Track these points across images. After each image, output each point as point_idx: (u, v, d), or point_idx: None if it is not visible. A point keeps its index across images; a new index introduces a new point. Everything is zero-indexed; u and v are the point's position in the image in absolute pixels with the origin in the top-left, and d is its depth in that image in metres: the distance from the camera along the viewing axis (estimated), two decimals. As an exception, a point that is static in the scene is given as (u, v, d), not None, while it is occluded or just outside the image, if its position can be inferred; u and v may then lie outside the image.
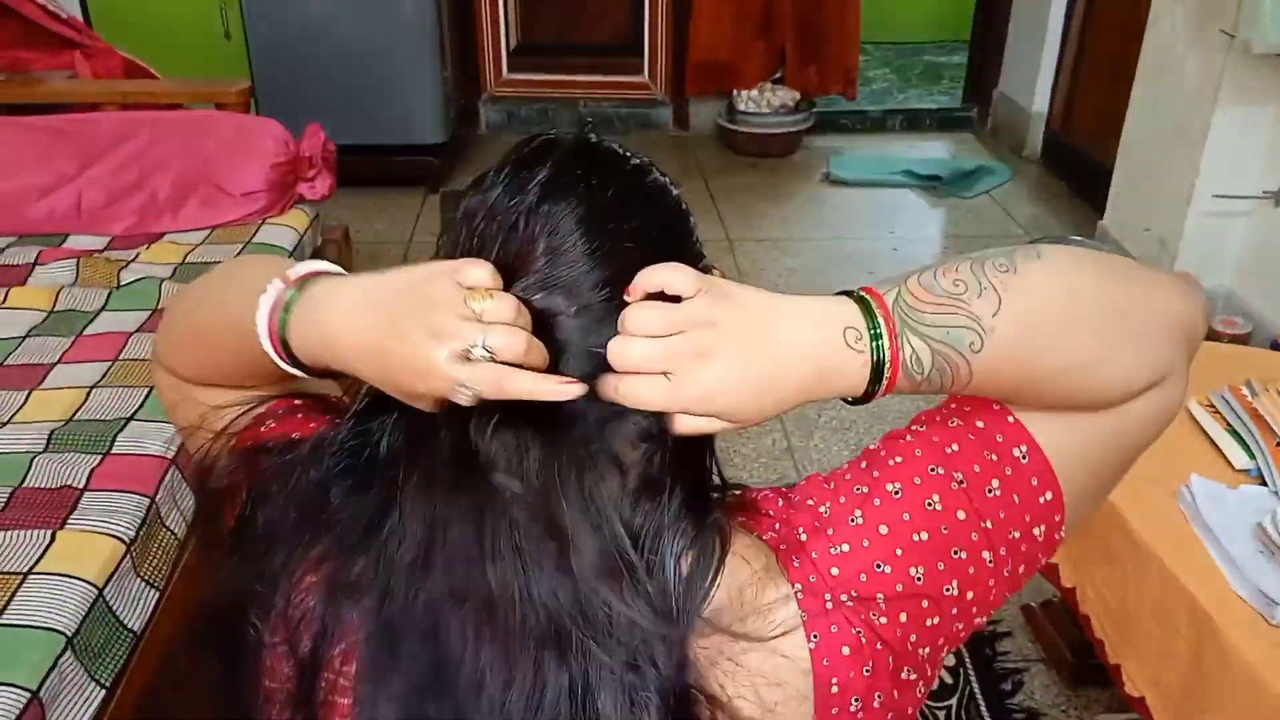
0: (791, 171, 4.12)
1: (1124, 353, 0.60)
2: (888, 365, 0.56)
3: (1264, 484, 1.39)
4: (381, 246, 3.41)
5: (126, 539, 1.38)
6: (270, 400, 0.71)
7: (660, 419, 0.58)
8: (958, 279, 0.57)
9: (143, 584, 1.40)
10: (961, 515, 0.61)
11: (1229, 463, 1.44)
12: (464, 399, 0.55)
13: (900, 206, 3.79)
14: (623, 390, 0.56)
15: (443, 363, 0.54)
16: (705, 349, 0.55)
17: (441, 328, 0.55)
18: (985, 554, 0.62)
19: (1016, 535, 0.63)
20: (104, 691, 1.26)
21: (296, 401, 0.71)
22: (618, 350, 0.55)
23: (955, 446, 0.63)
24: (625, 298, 0.57)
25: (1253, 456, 1.43)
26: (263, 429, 0.69)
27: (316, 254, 2.41)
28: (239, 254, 2.11)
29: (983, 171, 3.96)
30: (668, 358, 0.55)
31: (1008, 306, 0.56)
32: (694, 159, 4.22)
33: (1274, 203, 2.59)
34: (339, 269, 0.63)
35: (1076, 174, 3.79)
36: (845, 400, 0.59)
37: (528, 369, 0.56)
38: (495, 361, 0.55)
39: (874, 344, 0.56)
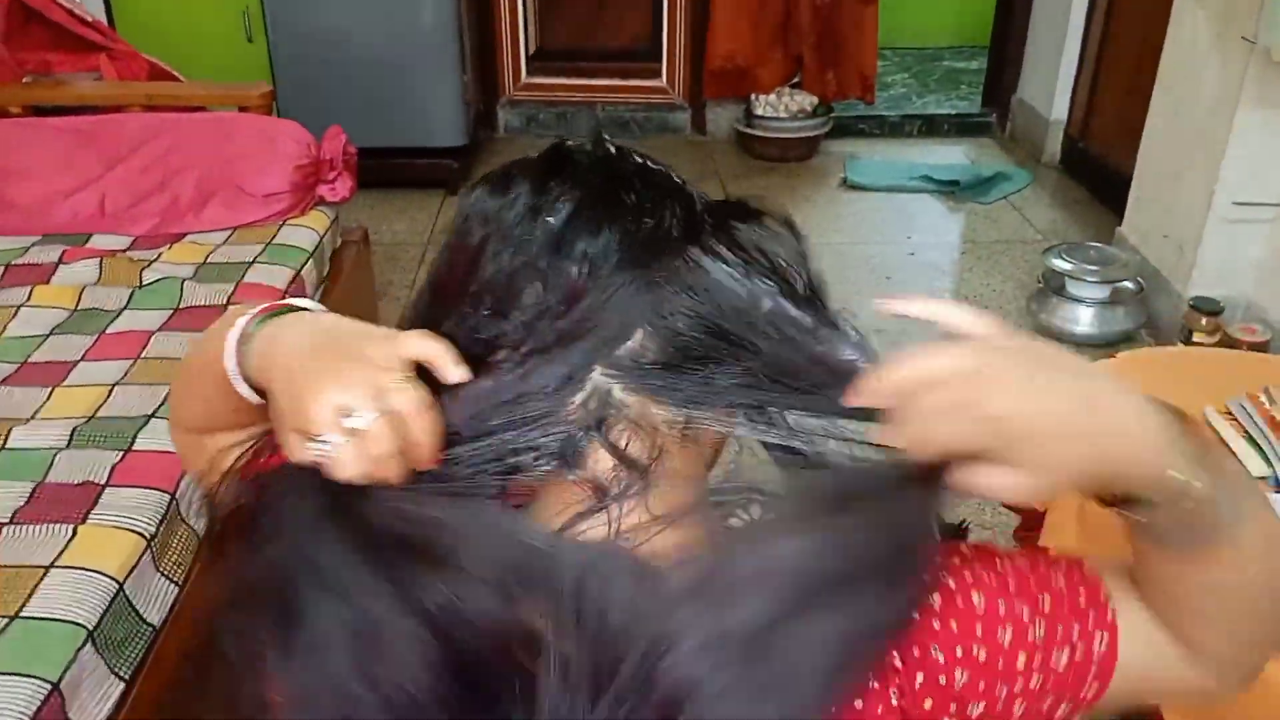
0: (809, 176, 4.13)
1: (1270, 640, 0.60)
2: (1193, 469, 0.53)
3: (1280, 491, 1.39)
4: (400, 248, 3.43)
5: (147, 534, 1.40)
6: (268, 433, 0.70)
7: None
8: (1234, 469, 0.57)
9: (162, 579, 1.41)
10: (1020, 664, 0.59)
11: (1246, 470, 1.43)
12: (308, 456, 0.54)
13: (918, 211, 3.78)
14: (913, 435, 0.52)
15: (324, 407, 0.53)
16: (994, 373, 0.51)
17: (345, 374, 0.54)
18: (1017, 705, 0.60)
19: (1046, 706, 0.61)
20: (123, 684, 1.28)
21: None
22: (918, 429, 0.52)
23: (1047, 599, 0.60)
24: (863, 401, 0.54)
25: (1270, 464, 1.42)
26: (262, 459, 0.68)
27: (336, 255, 2.43)
28: (260, 254, 2.14)
29: (1001, 177, 3.95)
30: (955, 389, 0.51)
31: (1266, 516, 0.56)
32: (712, 163, 4.23)
33: (1294, 210, 2.57)
34: (319, 306, 0.64)
35: (1096, 180, 3.78)
36: (1118, 510, 0.56)
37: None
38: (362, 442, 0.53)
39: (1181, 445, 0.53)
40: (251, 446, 0.68)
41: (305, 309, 0.64)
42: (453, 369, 0.57)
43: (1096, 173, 3.77)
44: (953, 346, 0.52)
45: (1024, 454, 0.50)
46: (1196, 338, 2.51)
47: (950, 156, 4.29)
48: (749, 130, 4.22)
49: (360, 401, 0.53)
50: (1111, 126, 3.65)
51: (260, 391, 0.62)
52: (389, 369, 0.55)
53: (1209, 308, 2.53)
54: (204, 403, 0.69)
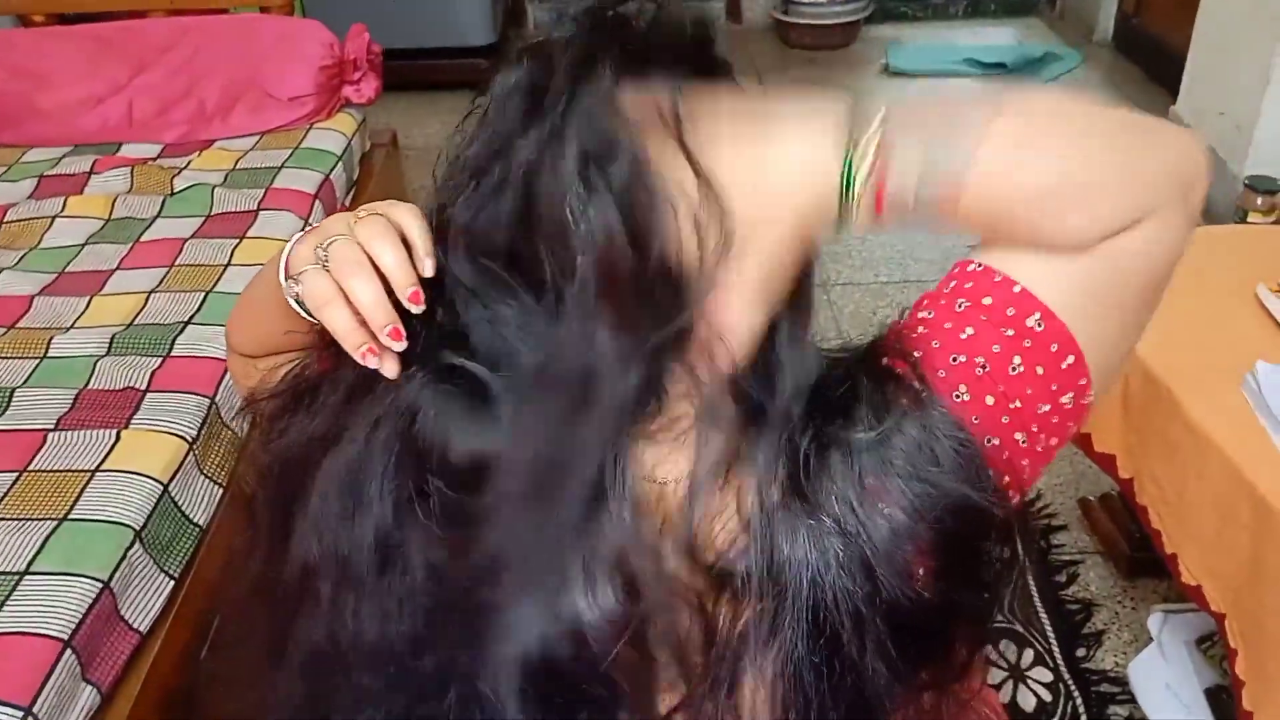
0: (848, 64, 4.00)
1: (1111, 177, 0.56)
2: (868, 175, 0.54)
3: (1334, 371, 1.34)
4: (431, 151, 3.33)
5: (189, 438, 1.42)
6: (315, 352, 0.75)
7: None
8: (959, 99, 0.55)
9: (206, 481, 1.44)
10: (990, 401, 0.59)
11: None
12: (288, 293, 0.61)
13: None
14: None
15: (305, 250, 0.60)
16: None
17: (325, 225, 0.60)
18: (1018, 435, 0.60)
19: (1046, 409, 0.61)
20: (172, 582, 1.31)
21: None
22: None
23: (970, 330, 0.60)
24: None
25: (1324, 342, 1.38)
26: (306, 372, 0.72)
27: (365, 159, 2.40)
28: (288, 159, 2.12)
29: (1050, 58, 3.80)
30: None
31: (1001, 127, 0.54)
32: (747, 53, 4.10)
33: (1360, 81, 2.45)
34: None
35: (1149, 59, 3.62)
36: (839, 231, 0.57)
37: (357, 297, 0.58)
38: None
39: (853, 152, 0.54)
40: (297, 363, 0.71)
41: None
42: (423, 264, 0.59)
43: (1150, 50, 3.60)
44: None
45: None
46: (1252, 217, 2.42)
47: (997, 38, 4.13)
48: (785, 17, 4.08)
49: (327, 237, 0.59)
50: (1166, 1, 3.48)
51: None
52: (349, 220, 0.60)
53: (1266, 186, 2.42)
54: (265, 327, 0.72)
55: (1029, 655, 1.68)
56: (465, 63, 3.73)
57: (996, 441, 0.60)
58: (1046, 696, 1.62)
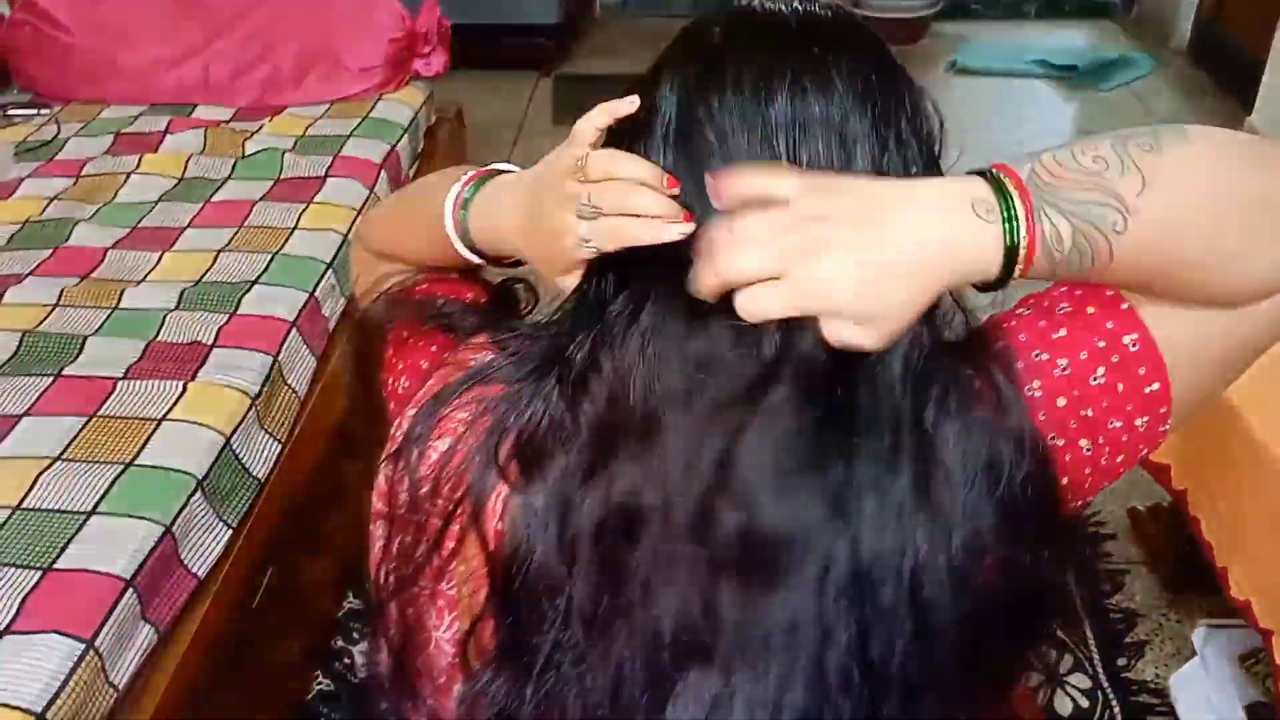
0: (916, 60, 3.96)
1: (1266, 248, 0.55)
2: (1023, 241, 0.52)
3: (1402, 391, 1.31)
4: (493, 129, 3.42)
5: (251, 393, 1.45)
6: (427, 271, 0.81)
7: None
8: (1098, 156, 0.53)
9: (266, 436, 1.47)
10: (1061, 402, 0.60)
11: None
12: (586, 253, 0.61)
13: (1030, 99, 3.61)
14: (739, 304, 0.53)
15: (570, 223, 0.60)
16: (817, 244, 0.51)
17: (563, 192, 0.61)
18: (1083, 442, 0.61)
19: (1118, 425, 0.61)
20: (230, 531, 1.35)
21: (450, 274, 0.80)
22: (726, 265, 0.53)
23: (1063, 332, 0.61)
24: (713, 201, 0.55)
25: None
26: (414, 289, 0.78)
27: (430, 132, 2.43)
28: (357, 127, 2.15)
29: (1123, 63, 3.73)
30: (778, 259, 0.52)
31: (1152, 188, 0.52)
32: (814, 45, 4.08)
33: None
34: (513, 167, 0.71)
35: (1225, 68, 3.54)
36: (977, 287, 0.56)
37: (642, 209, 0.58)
38: (607, 215, 0.59)
39: (1007, 217, 0.52)
40: (410, 277, 0.80)
41: (506, 171, 0.72)
42: (625, 104, 0.62)
43: (1227, 59, 3.53)
44: (789, 176, 0.54)
45: (852, 316, 0.52)
46: (1324, 235, 2.37)
47: (1069, 40, 4.07)
48: (856, 9, 4.04)
49: (580, 194, 0.60)
50: (1248, 7, 3.40)
51: (477, 252, 0.72)
52: (575, 161, 0.61)
53: (1340, 203, 2.38)
54: (413, 242, 0.79)
55: (1068, 661, 1.67)
56: (530, 41, 3.76)
57: (1060, 442, 0.61)
58: (1084, 703, 1.61)
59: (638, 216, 0.58)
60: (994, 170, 0.54)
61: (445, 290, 0.77)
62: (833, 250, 0.51)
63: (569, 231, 0.60)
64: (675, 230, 0.57)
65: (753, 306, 0.53)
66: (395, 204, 0.89)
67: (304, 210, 1.86)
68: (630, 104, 0.62)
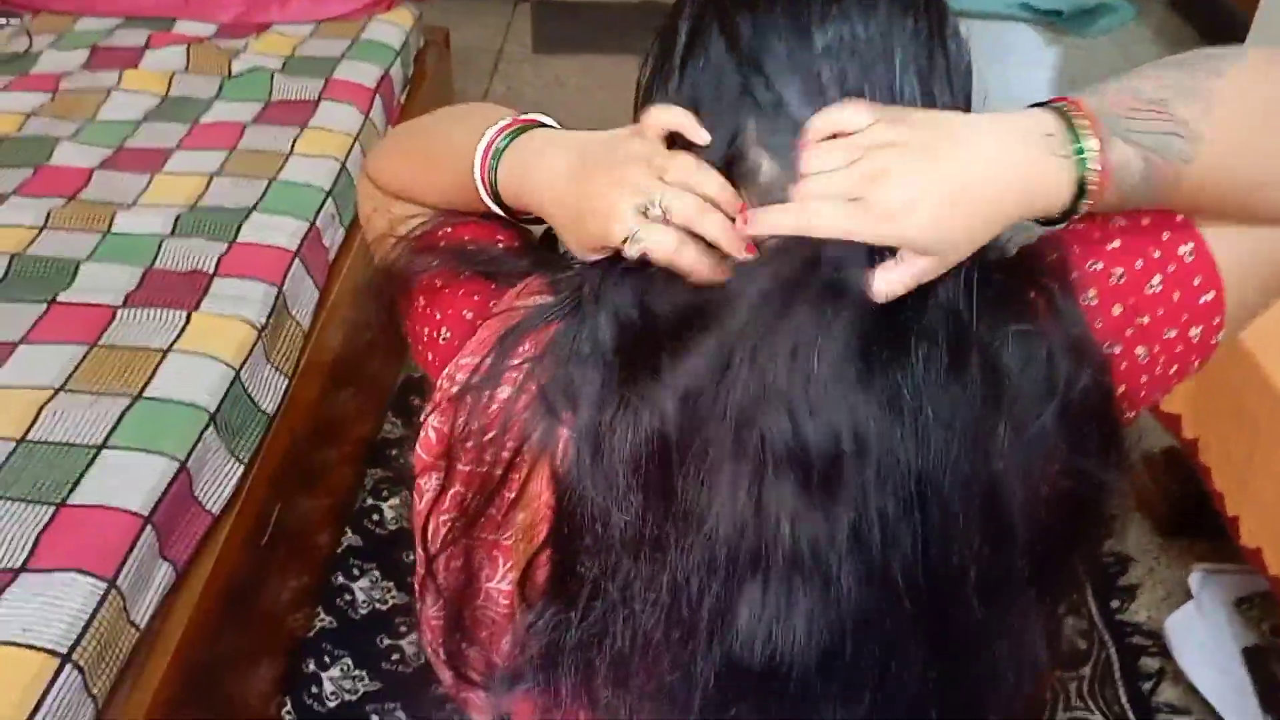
0: None
1: None
2: (1094, 173, 0.52)
3: None
4: (472, 53, 3.32)
5: (258, 325, 1.40)
6: (446, 214, 0.75)
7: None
8: (1163, 84, 0.53)
9: (273, 370, 1.43)
10: (1117, 310, 0.60)
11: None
12: (632, 252, 0.56)
13: (1013, 43, 3.59)
14: (797, 216, 0.53)
15: (624, 211, 0.56)
16: (887, 169, 0.51)
17: (626, 179, 0.57)
18: (1139, 349, 0.61)
19: (1172, 334, 0.61)
20: (242, 467, 1.31)
21: (470, 217, 0.74)
22: (799, 190, 0.53)
23: (1117, 243, 0.60)
24: (800, 148, 0.54)
25: None
26: (439, 234, 0.73)
27: (420, 56, 2.35)
28: (348, 50, 2.07)
29: (1105, 9, 3.72)
30: (847, 184, 0.52)
31: (1216, 113, 0.53)
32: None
33: None
34: (553, 123, 0.67)
35: (1206, 18, 3.55)
36: (1039, 222, 0.56)
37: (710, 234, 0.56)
38: (670, 223, 0.56)
39: (1078, 149, 0.52)
40: (430, 221, 0.74)
41: (545, 124, 0.66)
42: (700, 134, 0.58)
43: (1207, 9, 3.53)
44: (863, 109, 0.54)
45: (918, 244, 0.52)
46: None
47: (1051, -16, 4.04)
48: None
49: (650, 190, 0.56)
50: (1233, -43, 3.41)
51: (502, 205, 0.66)
52: (654, 153, 0.58)
53: (1328, 157, 2.41)
54: (428, 178, 0.73)
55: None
56: (510, -35, 3.64)
57: (1117, 350, 0.60)
58: (1081, 644, 1.64)
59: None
60: (1060, 103, 0.54)
61: (474, 234, 0.72)
62: (905, 177, 0.51)
63: (619, 220, 0.56)
64: (727, 269, 0.56)
65: (819, 220, 0.53)
66: (410, 139, 0.81)
67: (299, 135, 1.79)
68: (703, 138, 0.58)
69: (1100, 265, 0.60)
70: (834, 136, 0.54)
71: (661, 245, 0.56)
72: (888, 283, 0.53)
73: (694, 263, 0.56)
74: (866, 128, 0.53)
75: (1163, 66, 0.55)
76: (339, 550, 1.70)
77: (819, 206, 0.52)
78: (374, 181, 0.79)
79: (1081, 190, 0.53)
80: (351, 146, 1.80)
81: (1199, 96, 0.53)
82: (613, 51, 3.23)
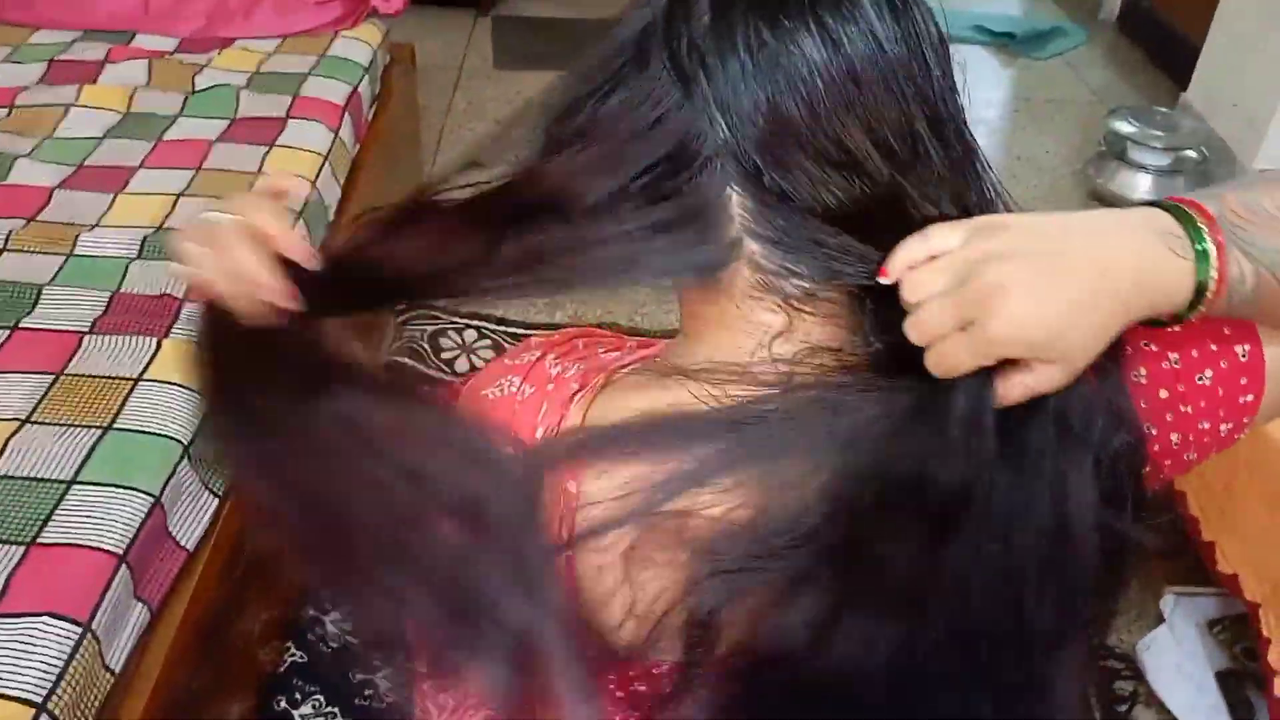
0: (857, 19, 3.95)
1: None
2: (1213, 278, 0.51)
3: (1386, 375, 1.37)
4: (434, 70, 3.29)
5: (231, 352, 1.36)
6: None
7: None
8: (1278, 202, 0.53)
9: (246, 398, 1.38)
10: (1164, 395, 0.59)
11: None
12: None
13: (970, 65, 3.58)
14: (931, 363, 0.51)
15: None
16: (998, 285, 0.49)
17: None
18: (1174, 435, 0.61)
19: (1205, 426, 0.61)
20: (217, 500, 1.26)
21: None
22: (913, 326, 0.51)
23: (1177, 328, 0.59)
24: (880, 280, 0.52)
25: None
26: None
27: (385, 74, 2.31)
28: (315, 66, 2.03)
29: (1058, 32, 3.80)
30: (959, 308, 0.49)
31: None
32: None
33: (1380, 86, 2.48)
34: None
35: (1155, 42, 3.63)
36: (1152, 323, 0.55)
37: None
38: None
39: (1201, 253, 0.51)
40: None
41: None
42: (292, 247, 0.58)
43: (1156, 33, 3.62)
44: (951, 228, 0.51)
45: (1045, 355, 0.50)
46: (1263, 213, 2.46)
47: (1004, 7, 4.11)
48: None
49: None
50: (1181, -16, 3.49)
51: None
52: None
53: (1279, 183, 2.47)
54: None
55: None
56: (470, -21, 3.62)
57: (1154, 431, 0.60)
58: (1056, 668, 1.65)
59: None
60: (1176, 202, 0.53)
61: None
62: (1017, 289, 0.49)
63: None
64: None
65: (945, 365, 0.51)
66: None
67: (267, 153, 1.75)
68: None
69: (1155, 347, 0.60)
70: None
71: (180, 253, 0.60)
72: (1011, 393, 0.52)
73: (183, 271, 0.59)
74: (964, 244, 0.51)
75: (1274, 183, 0.54)
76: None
77: (942, 350, 0.50)
78: None
79: (1200, 293, 0.51)
80: (322, 166, 1.77)
81: None
82: (573, 68, 3.22)
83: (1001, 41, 3.73)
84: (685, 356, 0.59)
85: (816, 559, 0.53)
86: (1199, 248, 0.51)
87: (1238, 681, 1.51)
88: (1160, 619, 1.64)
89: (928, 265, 0.51)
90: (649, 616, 0.56)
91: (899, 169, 0.53)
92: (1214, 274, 0.51)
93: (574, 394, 0.60)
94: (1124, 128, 2.79)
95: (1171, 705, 1.53)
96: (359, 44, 2.15)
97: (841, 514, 0.52)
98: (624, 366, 0.61)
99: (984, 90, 3.48)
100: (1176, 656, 1.57)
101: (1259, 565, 1.31)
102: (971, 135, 0.57)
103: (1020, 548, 0.54)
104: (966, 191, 0.56)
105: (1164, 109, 2.93)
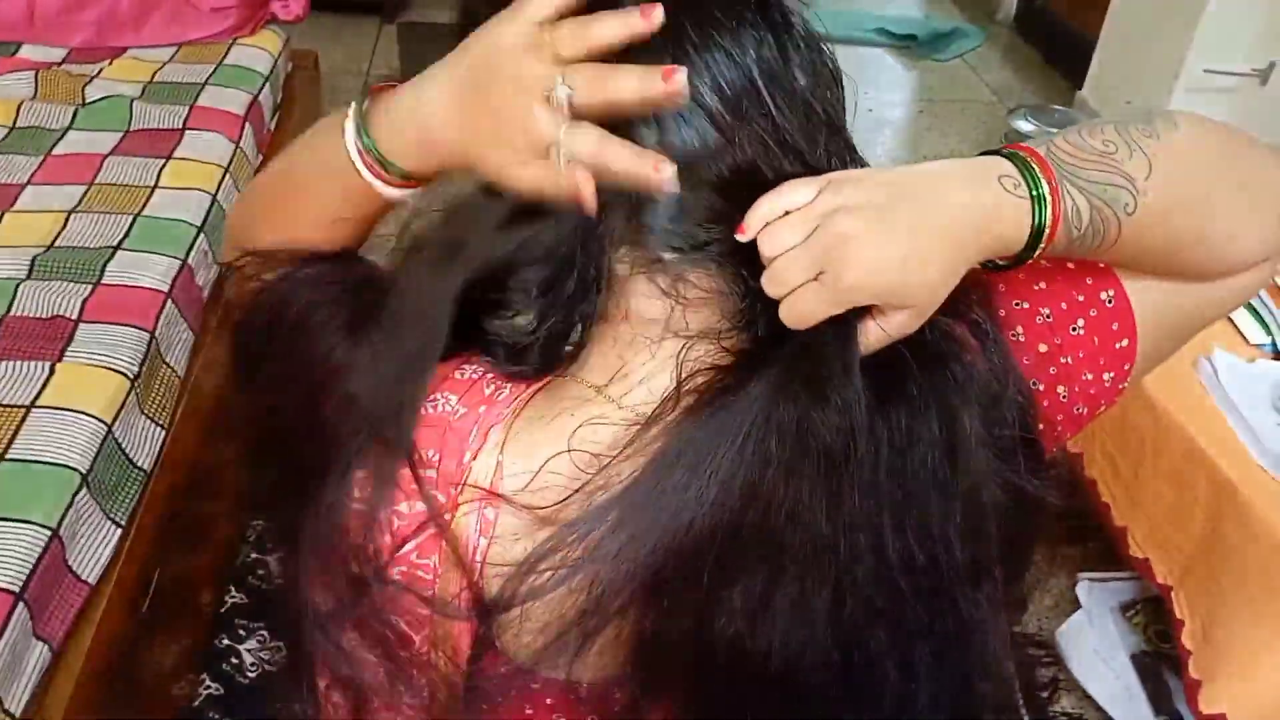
0: (763, 23, 3.98)
1: (1251, 226, 0.59)
2: (1049, 217, 0.53)
3: (1279, 358, 1.42)
4: (339, 77, 3.22)
5: (130, 374, 1.31)
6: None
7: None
8: (1107, 140, 0.55)
9: (148, 421, 1.33)
10: (1043, 349, 0.61)
11: (1244, 338, 1.46)
12: (561, 167, 0.50)
13: (874, 67, 3.71)
14: (785, 315, 0.52)
15: (538, 113, 0.50)
16: (845, 234, 0.50)
17: (520, 73, 0.51)
18: (1060, 389, 0.62)
19: (1089, 377, 0.62)
20: (120, 530, 1.21)
21: None
22: (769, 278, 0.52)
23: (1042, 284, 0.62)
24: (738, 237, 0.53)
25: (1269, 332, 1.45)
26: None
27: (287, 82, 2.26)
28: (212, 75, 1.97)
29: (958, 34, 3.88)
30: (811, 259, 0.51)
31: (1158, 171, 0.55)
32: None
33: (1260, 81, 2.59)
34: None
35: (1051, 42, 3.74)
36: (992, 265, 0.57)
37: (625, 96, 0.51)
38: (581, 111, 0.50)
39: (1036, 194, 0.53)
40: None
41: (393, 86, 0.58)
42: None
43: (1051, 33, 3.73)
44: (803, 183, 0.52)
45: (895, 300, 0.52)
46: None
47: (905, 10, 4.20)
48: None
49: (546, 75, 0.50)
50: (1072, -14, 3.60)
51: (405, 175, 0.58)
52: (532, 32, 0.51)
53: (1172, 176, 2.56)
54: (306, 213, 0.64)
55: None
56: (372, -15, 3.56)
57: (1040, 387, 0.61)
58: (979, 657, 1.68)
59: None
60: (1012, 149, 0.55)
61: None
62: (863, 238, 0.50)
63: (532, 124, 0.51)
64: (668, 173, 0.50)
65: (799, 315, 0.52)
66: (263, 187, 0.72)
67: (164, 166, 1.68)
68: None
69: (1027, 304, 0.61)
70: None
71: (585, 147, 0.50)
72: (869, 339, 0.53)
73: (625, 162, 0.50)
74: (814, 198, 0.52)
75: (1106, 124, 0.56)
76: (222, 610, 1.60)
77: (794, 301, 0.51)
78: (241, 243, 0.70)
79: (1038, 233, 0.53)
80: (223, 178, 1.71)
81: (1141, 155, 0.55)
82: (482, 74, 3.18)
83: (904, 44, 3.80)
84: (586, 369, 0.59)
85: (737, 551, 0.53)
86: (1035, 192, 0.53)
87: (1153, 663, 1.55)
88: (1077, 606, 1.68)
89: (782, 220, 0.52)
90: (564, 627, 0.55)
91: (752, 136, 0.55)
92: (1049, 208, 0.53)
93: (494, 425, 0.58)
94: (1024, 126, 2.86)
95: (1090, 689, 1.56)
96: (258, 52, 2.09)
97: (749, 500, 0.52)
98: (540, 389, 0.60)
99: (889, 92, 3.54)
100: (1093, 641, 1.61)
101: (1168, 548, 1.35)
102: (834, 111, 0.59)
103: (916, 486, 0.55)
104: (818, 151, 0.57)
105: (1061, 107, 3.02)
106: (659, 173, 0.50)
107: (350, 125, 0.57)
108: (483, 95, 0.52)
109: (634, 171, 0.50)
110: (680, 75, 0.49)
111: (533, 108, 0.50)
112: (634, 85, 0.50)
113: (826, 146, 0.58)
